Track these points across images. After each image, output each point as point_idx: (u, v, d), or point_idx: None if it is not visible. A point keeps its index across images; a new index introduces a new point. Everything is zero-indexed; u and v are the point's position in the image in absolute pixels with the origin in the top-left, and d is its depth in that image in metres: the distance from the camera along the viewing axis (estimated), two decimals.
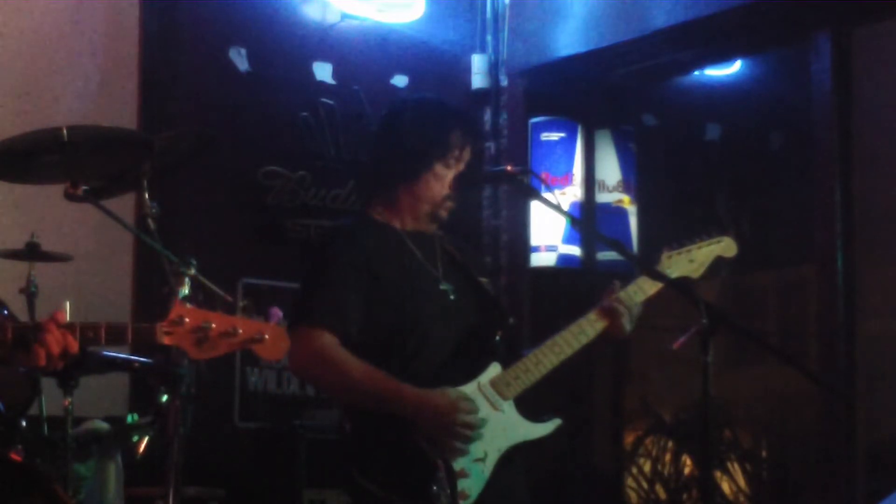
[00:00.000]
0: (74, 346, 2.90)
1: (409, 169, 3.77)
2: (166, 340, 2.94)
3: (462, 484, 3.52)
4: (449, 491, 3.44)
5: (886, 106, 5.76)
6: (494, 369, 3.67)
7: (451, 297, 3.75)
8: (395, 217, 3.81)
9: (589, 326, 3.75)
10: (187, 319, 2.95)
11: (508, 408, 3.66)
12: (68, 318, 2.92)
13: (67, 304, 3.00)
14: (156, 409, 4.14)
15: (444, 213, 3.83)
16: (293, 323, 3.58)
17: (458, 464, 3.53)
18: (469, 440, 3.55)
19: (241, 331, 2.97)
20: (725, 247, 3.97)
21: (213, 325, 2.95)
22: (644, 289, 3.80)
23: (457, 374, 3.64)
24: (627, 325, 3.77)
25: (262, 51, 6.18)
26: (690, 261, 3.90)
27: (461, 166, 3.81)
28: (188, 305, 3.02)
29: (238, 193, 6.09)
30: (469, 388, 3.63)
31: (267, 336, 3.00)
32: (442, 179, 3.77)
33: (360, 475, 3.57)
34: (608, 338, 3.79)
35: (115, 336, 2.94)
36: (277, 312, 3.06)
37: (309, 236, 6.18)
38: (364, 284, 3.65)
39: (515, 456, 3.67)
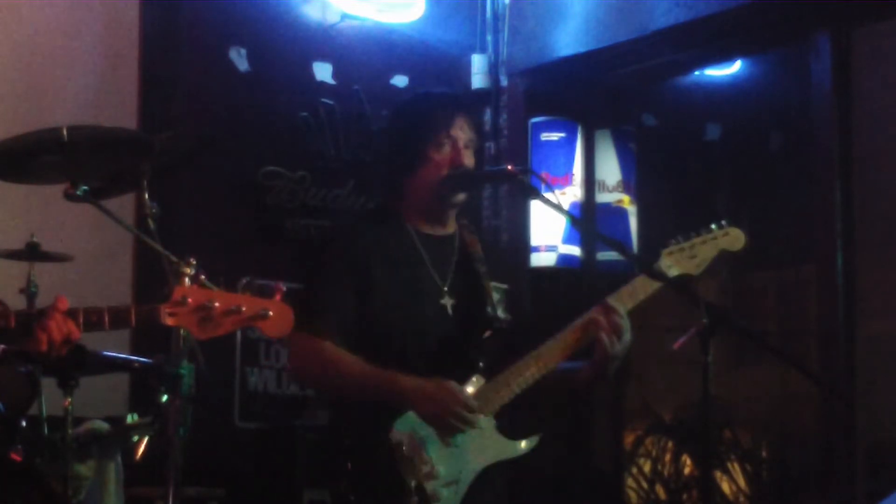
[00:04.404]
0: (76, 332, 2.89)
1: (406, 163, 3.68)
2: (170, 321, 2.92)
3: None
4: None
5: (886, 106, 5.76)
6: (477, 382, 3.57)
7: (449, 312, 3.64)
8: (410, 217, 3.70)
9: (569, 336, 3.59)
10: (190, 299, 2.92)
11: (487, 424, 3.55)
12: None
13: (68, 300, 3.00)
14: (156, 409, 4.14)
15: (455, 198, 3.68)
16: (294, 327, 3.51)
17: (430, 486, 3.45)
18: (467, 422, 3.46)
19: (244, 308, 2.94)
20: (732, 239, 3.71)
21: (217, 304, 2.93)
22: (638, 290, 3.61)
23: None
24: (609, 344, 3.53)
25: (262, 51, 6.18)
26: (692, 256, 3.67)
27: (463, 141, 3.67)
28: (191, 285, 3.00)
29: (238, 193, 6.08)
30: None
31: (271, 312, 2.97)
32: (440, 164, 3.65)
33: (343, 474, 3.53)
34: (595, 366, 3.60)
35: (119, 319, 2.92)
36: (281, 287, 3.04)
37: (309, 236, 6.18)
38: (357, 291, 3.56)
39: (493, 473, 3.56)
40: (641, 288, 3.63)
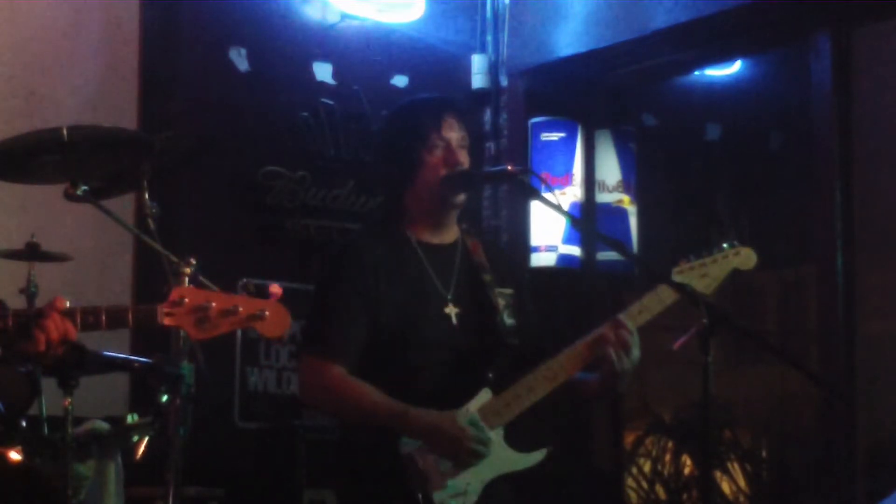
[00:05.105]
0: (73, 332, 2.90)
1: (404, 173, 3.66)
2: (167, 321, 2.93)
3: None
4: None
5: (886, 106, 5.76)
6: (485, 395, 3.54)
7: (454, 321, 3.61)
8: (412, 227, 3.68)
9: (578, 350, 3.57)
10: (187, 300, 2.94)
11: (495, 436, 3.53)
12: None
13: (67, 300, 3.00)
14: (156, 409, 4.14)
15: (456, 198, 3.65)
16: (303, 349, 3.61)
17: (438, 497, 3.44)
18: (480, 456, 3.47)
19: (241, 309, 2.95)
20: (744, 259, 3.68)
21: (214, 305, 2.94)
22: (649, 306, 3.58)
23: (447, 398, 3.51)
24: (617, 359, 3.51)
25: (262, 51, 6.18)
26: (703, 275, 3.63)
27: (456, 141, 3.64)
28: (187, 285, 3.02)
29: (238, 193, 6.09)
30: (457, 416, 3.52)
31: (268, 313, 2.98)
32: (436, 166, 3.62)
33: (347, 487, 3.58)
34: (604, 382, 3.59)
35: (116, 319, 2.93)
36: (277, 289, 3.05)
37: (309, 236, 6.18)
38: (367, 308, 3.55)
39: (501, 483, 3.55)
40: (652, 304, 3.60)
